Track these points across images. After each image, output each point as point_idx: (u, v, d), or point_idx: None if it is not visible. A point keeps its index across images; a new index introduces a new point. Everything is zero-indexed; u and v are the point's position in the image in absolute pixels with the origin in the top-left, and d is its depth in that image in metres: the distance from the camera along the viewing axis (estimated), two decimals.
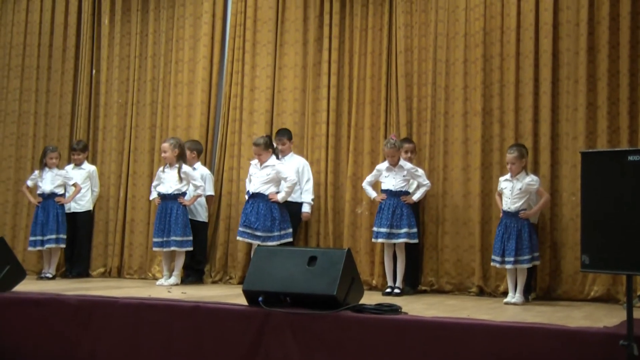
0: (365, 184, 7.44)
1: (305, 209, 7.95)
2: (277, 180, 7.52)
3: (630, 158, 3.96)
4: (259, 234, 7.36)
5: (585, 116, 7.16)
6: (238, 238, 7.56)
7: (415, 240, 7.20)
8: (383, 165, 7.30)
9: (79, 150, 8.65)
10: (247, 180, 7.82)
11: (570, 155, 7.20)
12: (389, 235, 7.11)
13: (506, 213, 6.69)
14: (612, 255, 3.98)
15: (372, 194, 7.37)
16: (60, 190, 8.25)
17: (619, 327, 4.44)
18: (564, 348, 4.31)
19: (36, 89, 9.45)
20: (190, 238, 7.72)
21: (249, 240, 7.40)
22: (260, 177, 7.49)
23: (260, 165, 7.51)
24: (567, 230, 7.16)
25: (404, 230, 7.07)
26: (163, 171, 7.82)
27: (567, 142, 7.27)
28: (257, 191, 7.45)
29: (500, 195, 6.90)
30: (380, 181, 7.36)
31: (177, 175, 7.69)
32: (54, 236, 8.10)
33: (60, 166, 8.39)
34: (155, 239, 7.72)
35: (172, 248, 7.63)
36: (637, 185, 3.92)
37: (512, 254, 6.55)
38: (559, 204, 7.24)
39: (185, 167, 7.75)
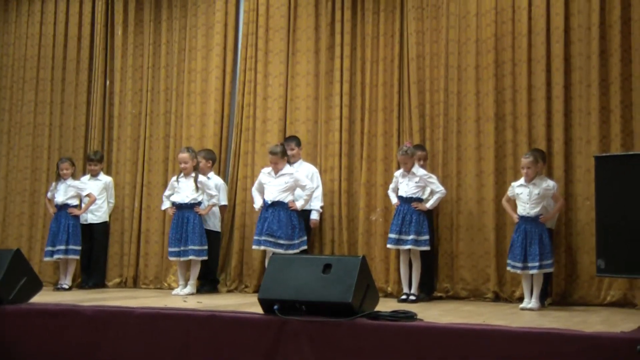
0: (389, 191, 7.48)
1: (314, 216, 7.97)
2: (294, 188, 7.54)
3: None
4: (282, 242, 7.37)
5: (598, 120, 7.14)
6: (259, 247, 7.44)
7: (425, 248, 7.16)
8: (399, 172, 7.34)
9: (96, 160, 8.69)
10: (254, 189, 7.80)
11: (584, 159, 7.18)
12: (397, 241, 7.12)
13: (525, 218, 6.67)
14: (627, 259, 3.98)
15: (394, 199, 7.38)
16: (73, 202, 8.31)
17: (636, 331, 4.42)
18: (581, 353, 4.29)
19: (50, 101, 9.52)
20: (206, 247, 7.76)
21: (272, 249, 7.31)
22: (277, 185, 7.50)
23: (276, 173, 7.53)
24: (583, 235, 7.13)
25: (411, 236, 7.07)
26: (177, 181, 7.86)
27: (580, 146, 7.25)
28: (276, 199, 7.46)
29: (509, 200, 6.89)
30: (398, 187, 7.37)
31: (193, 184, 7.73)
32: (63, 247, 8.15)
33: (75, 177, 8.44)
34: (171, 249, 7.76)
35: (191, 257, 7.67)
36: None
37: (536, 259, 6.51)
38: (573, 209, 7.22)
39: (201, 177, 7.80)
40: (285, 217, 7.43)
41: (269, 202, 7.48)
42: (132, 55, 9.23)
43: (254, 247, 7.57)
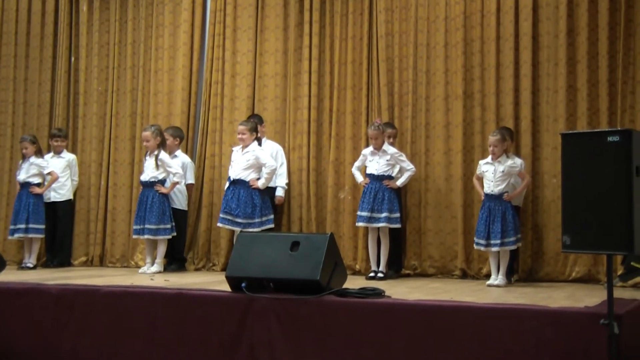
0: (354, 169, 7.45)
1: (279, 192, 7.97)
2: (257, 166, 7.50)
3: (610, 139, 3.98)
4: (239, 220, 7.34)
5: (565, 98, 7.20)
6: (218, 225, 7.58)
7: (397, 225, 7.20)
8: (368, 150, 7.31)
9: (62, 137, 8.57)
10: (230, 167, 7.76)
11: (551, 137, 7.23)
12: (369, 219, 7.12)
13: (489, 196, 6.71)
14: (592, 236, 4.01)
15: (359, 178, 7.37)
16: (35, 180, 8.17)
17: (600, 306, 4.48)
18: (547, 328, 4.34)
19: (14, 78, 9.33)
20: (169, 226, 7.69)
21: (230, 227, 7.39)
22: (240, 163, 7.47)
23: (242, 150, 7.48)
24: (549, 212, 7.20)
25: (384, 214, 7.08)
26: (145, 159, 7.80)
27: (547, 124, 7.30)
28: (237, 177, 7.43)
29: (479, 179, 6.93)
30: (365, 165, 7.35)
31: (154, 162, 7.67)
32: (23, 226, 8.04)
33: (40, 155, 8.29)
34: (134, 227, 7.75)
35: (146, 236, 7.63)
36: (616, 166, 3.94)
37: (498, 236, 6.57)
38: (540, 186, 7.28)
39: (162, 155, 7.71)
40: (244, 195, 7.39)
41: (232, 180, 7.44)
42: (97, 32, 9.08)
43: (218, 224, 7.62)
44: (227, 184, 7.58)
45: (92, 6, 9.12)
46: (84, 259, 8.79)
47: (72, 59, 9.17)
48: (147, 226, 7.59)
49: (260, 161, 7.48)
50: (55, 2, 9.27)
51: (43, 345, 5.40)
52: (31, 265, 8.12)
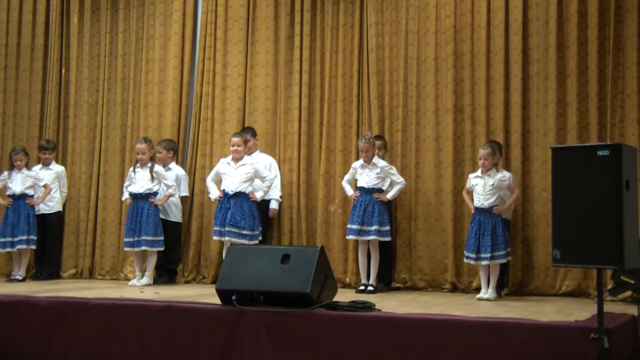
0: (344, 182, 7.45)
1: (273, 205, 7.99)
2: (253, 179, 7.52)
3: (600, 153, 4.01)
4: (245, 232, 7.33)
5: (555, 112, 7.22)
6: (223, 238, 7.35)
7: (387, 238, 7.20)
8: (358, 163, 7.32)
9: (50, 149, 8.54)
10: (209, 179, 7.70)
11: (541, 151, 7.26)
12: (359, 232, 7.12)
13: (479, 209, 6.71)
14: (582, 250, 4.02)
15: (349, 191, 7.37)
16: (30, 192, 8.15)
17: (590, 320, 4.49)
18: (537, 342, 4.34)
19: (4, 89, 9.32)
20: (162, 238, 7.67)
21: (236, 240, 7.23)
22: (238, 175, 7.44)
23: (236, 162, 7.47)
24: (539, 226, 7.21)
25: (374, 227, 7.08)
26: (134, 171, 7.76)
27: (537, 138, 7.33)
28: (238, 190, 7.40)
29: (469, 192, 6.94)
30: (355, 178, 7.36)
31: (149, 175, 7.65)
32: (24, 237, 8.00)
33: (29, 167, 8.27)
34: (126, 239, 7.67)
35: (143, 248, 7.59)
36: (606, 180, 3.96)
37: (488, 250, 6.57)
38: (530, 200, 7.29)
39: (157, 167, 7.72)
40: (247, 207, 7.39)
41: (231, 193, 7.40)
42: (88, 44, 9.07)
43: (215, 237, 7.49)
44: (220, 196, 7.49)
45: (83, 18, 9.12)
46: (73, 271, 8.75)
47: (63, 70, 9.16)
48: (144, 238, 7.55)
49: (260, 174, 7.50)
50: (46, 14, 9.26)
51: (32, 358, 5.36)
52: (20, 278, 8.07)
